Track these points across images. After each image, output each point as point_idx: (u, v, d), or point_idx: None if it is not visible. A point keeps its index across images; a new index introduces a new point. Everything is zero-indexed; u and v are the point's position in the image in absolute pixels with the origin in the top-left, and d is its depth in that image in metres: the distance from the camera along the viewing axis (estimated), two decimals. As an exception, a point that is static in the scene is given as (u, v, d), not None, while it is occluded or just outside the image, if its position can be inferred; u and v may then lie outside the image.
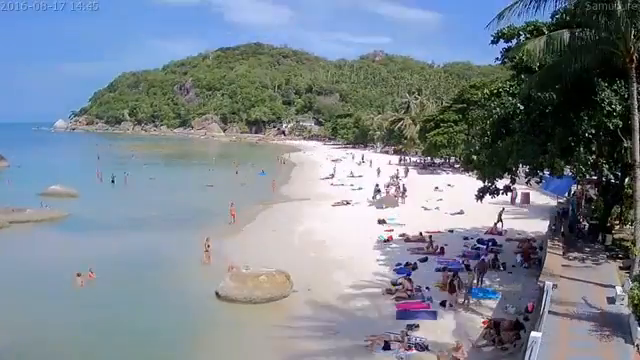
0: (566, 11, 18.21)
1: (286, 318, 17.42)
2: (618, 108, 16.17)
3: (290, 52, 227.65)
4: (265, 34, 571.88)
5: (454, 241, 26.93)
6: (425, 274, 21.31)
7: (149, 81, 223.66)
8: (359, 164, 73.88)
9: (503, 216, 29.80)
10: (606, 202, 22.13)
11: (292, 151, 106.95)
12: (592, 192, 26.43)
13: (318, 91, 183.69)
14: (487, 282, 19.88)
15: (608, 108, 16.18)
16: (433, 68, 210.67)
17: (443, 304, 17.81)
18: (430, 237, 26.78)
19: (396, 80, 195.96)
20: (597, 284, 15.75)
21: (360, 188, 47.34)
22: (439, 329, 16.00)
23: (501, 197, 23.54)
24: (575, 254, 19.02)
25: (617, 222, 23.15)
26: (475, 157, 22.15)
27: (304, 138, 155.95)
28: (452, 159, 66.81)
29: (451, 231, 29.46)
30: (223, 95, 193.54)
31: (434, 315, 17.00)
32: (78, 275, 20.81)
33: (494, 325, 15.02)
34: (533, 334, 10.50)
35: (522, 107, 18.90)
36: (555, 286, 14.42)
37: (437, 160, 70.43)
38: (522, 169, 21.33)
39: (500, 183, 22.32)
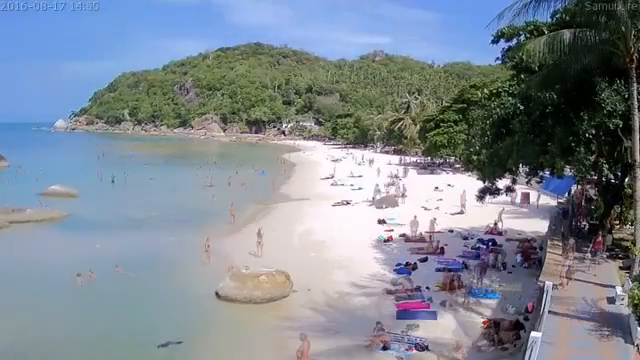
0: (566, 11, 18.20)
1: (286, 318, 17.40)
2: (618, 108, 16.18)
3: (290, 52, 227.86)
4: (265, 34, 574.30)
5: (454, 241, 26.94)
6: (425, 274, 21.31)
7: (149, 81, 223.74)
8: (359, 164, 73.87)
9: (503, 216, 29.84)
10: (606, 202, 22.14)
11: (292, 151, 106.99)
12: (592, 192, 26.44)
13: (318, 91, 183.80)
14: (487, 282, 19.87)
15: (608, 108, 16.19)
16: (433, 68, 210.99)
17: (443, 304, 17.80)
18: (430, 236, 26.83)
19: (396, 80, 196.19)
20: (597, 284, 15.75)
21: (360, 188, 47.33)
22: (439, 329, 16.00)
23: (502, 197, 23.59)
24: (575, 254, 19.00)
25: (617, 222, 23.15)
26: (475, 157, 22.16)
27: (304, 138, 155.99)
28: (452, 159, 66.84)
29: (451, 231, 29.49)
30: (223, 95, 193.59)
31: (434, 315, 16.99)
32: (78, 275, 20.79)
33: (494, 325, 15.02)
34: (533, 334, 10.50)
35: (522, 107, 18.91)
36: (555, 286, 14.42)
37: (437, 160, 70.41)
38: (522, 169, 21.34)
39: (500, 183, 22.33)
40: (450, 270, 20.79)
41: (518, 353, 12.98)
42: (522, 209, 35.19)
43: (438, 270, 21.67)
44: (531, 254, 22.69)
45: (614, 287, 14.71)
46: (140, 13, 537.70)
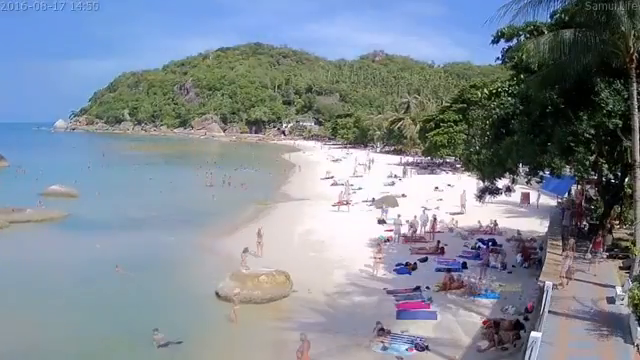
0: (565, 11, 18.18)
1: (286, 318, 17.41)
2: (618, 108, 16.17)
3: (290, 52, 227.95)
4: (265, 34, 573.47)
5: (454, 241, 26.95)
6: (425, 274, 21.32)
7: (149, 81, 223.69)
8: (360, 165, 73.69)
9: (503, 216, 29.84)
10: (606, 202, 22.13)
11: (292, 151, 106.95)
12: (592, 192, 26.44)
13: (318, 91, 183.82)
14: (487, 282, 19.87)
15: (608, 108, 16.18)
16: (433, 68, 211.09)
17: (443, 304, 17.80)
18: (432, 236, 26.85)
19: (396, 80, 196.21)
20: (597, 284, 15.75)
21: (360, 188, 47.32)
22: (439, 329, 16.00)
23: (501, 197, 23.56)
24: (575, 254, 18.99)
25: (617, 222, 23.14)
26: (475, 157, 22.16)
27: (304, 138, 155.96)
28: (452, 159, 66.76)
29: (451, 230, 29.49)
30: (223, 95, 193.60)
31: (434, 315, 17.00)
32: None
33: (494, 325, 15.01)
34: (533, 334, 10.49)
35: (522, 107, 18.91)
36: (555, 286, 14.41)
37: (437, 160, 70.33)
38: (522, 169, 21.33)
39: (500, 183, 22.33)
40: (450, 270, 20.79)
41: (518, 353, 12.98)
42: (521, 209, 35.19)
43: (438, 270, 21.66)
44: (531, 254, 22.69)
45: (614, 287, 14.70)
46: (140, 13, 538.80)
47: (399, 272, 21.84)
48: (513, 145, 18.82)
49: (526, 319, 15.41)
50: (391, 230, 29.64)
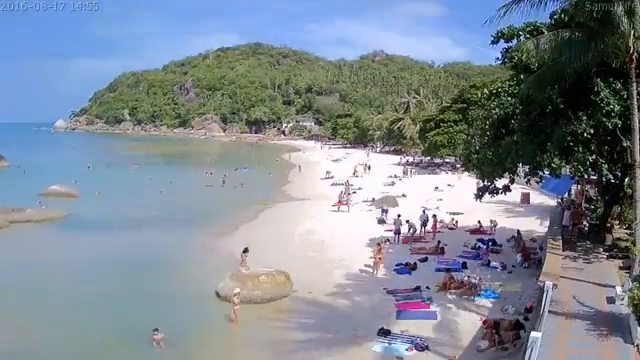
0: (564, 11, 18.18)
1: (286, 318, 17.43)
2: (617, 108, 16.17)
3: (290, 52, 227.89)
4: (265, 34, 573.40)
5: (454, 241, 26.93)
6: (425, 274, 21.31)
7: (149, 81, 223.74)
8: (360, 165, 73.63)
9: (503, 216, 29.83)
10: (606, 202, 22.13)
11: (292, 151, 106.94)
12: (592, 192, 26.44)
13: (318, 91, 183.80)
14: (487, 282, 19.87)
15: (607, 108, 16.18)
16: (433, 68, 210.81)
17: (443, 304, 17.80)
18: (433, 235, 26.84)
19: (396, 80, 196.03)
20: (597, 284, 15.74)
21: (360, 188, 47.33)
22: (439, 329, 16.01)
23: (507, 197, 23.56)
24: (575, 254, 19.02)
25: (617, 222, 23.15)
26: (475, 156, 22.16)
27: (304, 138, 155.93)
28: (452, 159, 66.72)
29: (452, 229, 29.48)
30: (223, 95, 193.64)
31: (434, 315, 17.01)
32: None
33: (494, 325, 15.02)
34: (533, 334, 10.49)
35: (521, 107, 18.91)
36: (555, 286, 14.40)
37: (437, 160, 70.31)
38: (522, 169, 21.32)
39: (500, 182, 22.33)
40: (450, 270, 20.79)
41: (518, 353, 12.98)
42: (520, 209, 35.19)
43: (438, 270, 21.66)
44: (531, 254, 22.69)
45: (614, 287, 14.69)
46: (140, 13, 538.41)
47: (399, 272, 21.84)
48: (513, 145, 18.83)
49: (526, 319, 15.41)
50: (391, 230, 29.66)
